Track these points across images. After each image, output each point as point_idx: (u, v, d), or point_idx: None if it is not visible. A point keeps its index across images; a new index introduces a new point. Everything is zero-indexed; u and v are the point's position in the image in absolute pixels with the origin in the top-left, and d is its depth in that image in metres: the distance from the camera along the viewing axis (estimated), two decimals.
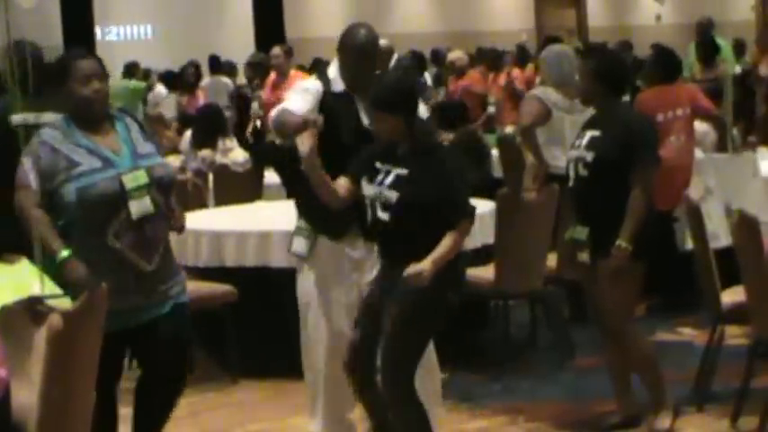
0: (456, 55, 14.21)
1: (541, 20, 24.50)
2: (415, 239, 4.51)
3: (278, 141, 10.02)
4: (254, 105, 12.67)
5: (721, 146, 8.45)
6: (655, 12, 26.73)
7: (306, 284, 5.24)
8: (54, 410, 3.54)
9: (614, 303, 5.33)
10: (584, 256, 5.36)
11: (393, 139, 4.66)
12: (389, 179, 4.61)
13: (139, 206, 4.38)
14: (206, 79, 16.28)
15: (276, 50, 12.27)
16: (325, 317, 5.20)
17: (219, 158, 9.05)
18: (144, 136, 4.59)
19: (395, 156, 4.65)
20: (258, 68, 13.24)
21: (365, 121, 5.00)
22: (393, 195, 4.56)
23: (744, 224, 5.31)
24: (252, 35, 23.05)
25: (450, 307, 4.66)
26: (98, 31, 21.45)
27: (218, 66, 16.96)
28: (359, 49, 5.05)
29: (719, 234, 6.67)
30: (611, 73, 5.44)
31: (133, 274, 4.40)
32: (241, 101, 14.27)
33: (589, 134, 5.40)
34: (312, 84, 5.17)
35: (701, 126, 8.15)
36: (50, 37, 20.29)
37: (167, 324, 4.57)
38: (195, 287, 6.70)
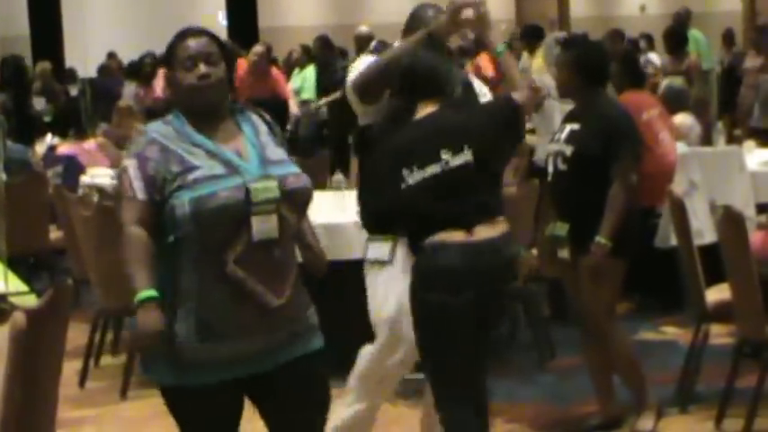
0: None
1: (522, 10, 24.60)
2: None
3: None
4: None
5: (706, 140, 8.51)
6: (639, 2, 26.85)
7: (387, 292, 4.84)
8: (17, 411, 3.52)
9: (595, 301, 5.35)
10: (564, 253, 5.38)
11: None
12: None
13: (263, 225, 3.54)
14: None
15: (258, 48, 12.35)
16: (394, 330, 4.86)
17: None
18: (275, 139, 3.77)
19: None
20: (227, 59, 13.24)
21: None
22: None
23: (729, 220, 5.34)
24: (224, 24, 23.04)
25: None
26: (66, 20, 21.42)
27: None
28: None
29: (704, 230, 6.71)
30: (591, 64, 5.46)
31: (257, 310, 3.55)
32: None
33: (569, 127, 5.42)
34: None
35: (685, 119, 8.20)
36: (17, 27, 20.31)
37: (297, 373, 3.70)
38: None
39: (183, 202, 3.49)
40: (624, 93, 7.43)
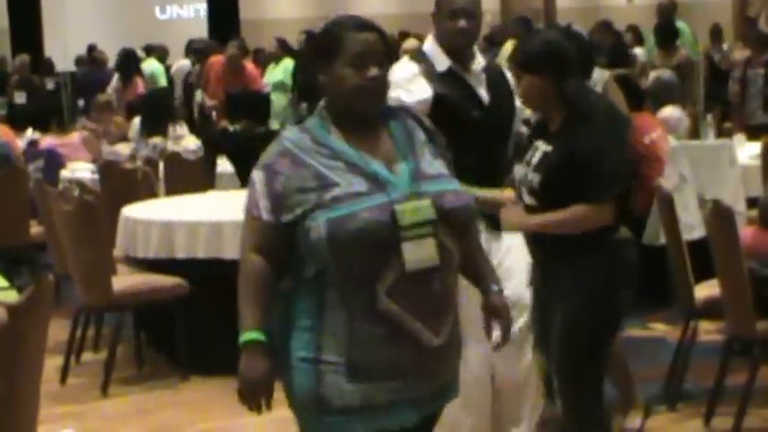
0: (410, 44, 13.93)
1: (507, 1, 24.54)
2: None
3: (231, 129, 10.05)
4: (198, 93, 12.69)
5: (695, 133, 8.52)
6: None
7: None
8: None
9: None
10: None
11: (543, 108, 4.19)
12: (536, 158, 4.16)
13: (417, 253, 3.05)
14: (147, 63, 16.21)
15: (232, 49, 12.38)
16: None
17: (171, 146, 9.02)
18: (433, 148, 3.25)
19: (546, 129, 4.19)
20: (200, 55, 13.30)
21: (483, 95, 4.74)
22: (536, 178, 4.13)
23: (718, 215, 5.34)
24: (205, 16, 23.03)
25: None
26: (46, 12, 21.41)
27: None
28: (461, 9, 4.67)
29: (695, 225, 6.72)
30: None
31: (413, 351, 3.09)
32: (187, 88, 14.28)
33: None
34: (406, 71, 4.68)
35: (674, 112, 8.20)
36: None
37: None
38: (144, 280, 6.70)
39: (318, 225, 3.02)
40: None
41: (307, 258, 3.07)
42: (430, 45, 4.78)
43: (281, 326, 3.15)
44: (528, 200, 4.20)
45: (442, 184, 3.15)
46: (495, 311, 3.30)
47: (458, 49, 4.73)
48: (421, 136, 3.23)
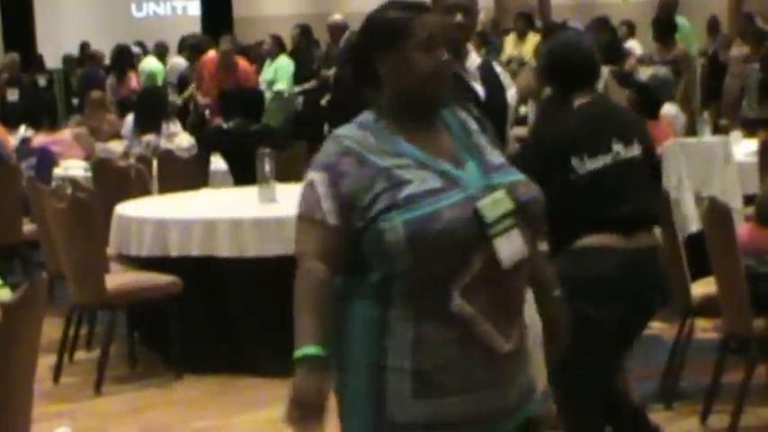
0: None
1: None
2: None
3: (225, 126, 10.02)
4: (192, 88, 12.69)
5: (691, 130, 8.53)
6: None
7: None
8: None
9: None
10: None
11: None
12: None
13: (509, 246, 2.87)
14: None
15: (224, 45, 12.38)
16: None
17: (164, 143, 9.01)
18: (487, 138, 3.08)
19: None
20: (194, 51, 13.28)
21: (481, 93, 4.67)
22: None
23: (715, 212, 5.34)
24: (198, 13, 23.03)
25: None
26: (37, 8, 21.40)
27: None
28: (456, 4, 4.61)
29: (690, 220, 6.72)
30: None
31: (484, 358, 2.88)
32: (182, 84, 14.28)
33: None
34: None
35: (670, 109, 8.21)
36: None
37: None
38: (137, 278, 6.69)
39: (395, 226, 2.81)
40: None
41: (375, 262, 2.85)
42: None
43: (337, 331, 2.92)
44: None
45: (510, 175, 2.97)
46: (556, 319, 3.13)
47: (454, 45, 4.72)
48: (473, 125, 3.07)
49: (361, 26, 3.02)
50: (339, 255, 2.87)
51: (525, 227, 2.91)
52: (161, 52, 16.60)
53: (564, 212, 3.92)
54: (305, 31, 14.09)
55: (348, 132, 2.95)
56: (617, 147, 4.12)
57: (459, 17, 4.65)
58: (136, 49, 17.22)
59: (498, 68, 4.93)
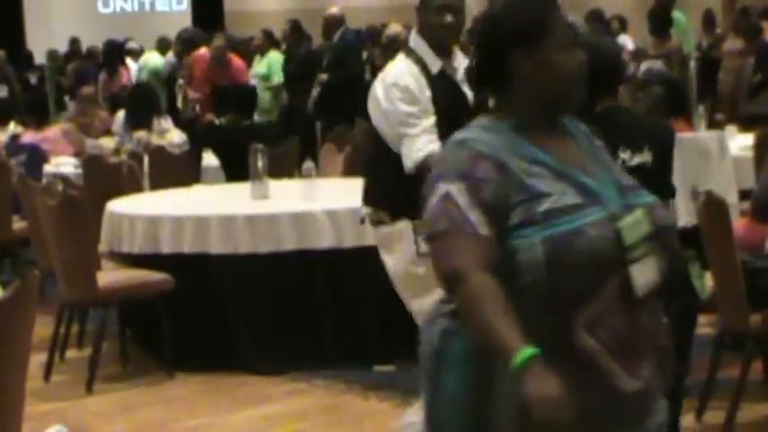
0: (395, 30, 13.83)
1: None
2: None
3: (217, 122, 10.03)
4: (180, 82, 12.69)
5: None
6: None
7: None
8: None
9: None
10: None
11: None
12: None
13: (645, 274, 2.63)
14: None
15: (218, 41, 12.38)
16: None
17: (155, 140, 9.01)
18: (606, 155, 2.84)
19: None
20: (189, 45, 13.27)
21: (469, 94, 4.70)
22: None
23: (711, 206, 5.33)
24: (189, 8, 23.02)
25: None
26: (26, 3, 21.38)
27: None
28: (447, 4, 4.66)
29: (681, 213, 6.72)
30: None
31: (605, 396, 2.63)
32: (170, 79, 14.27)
33: None
34: (408, 76, 4.62)
35: None
36: None
37: None
38: (129, 275, 6.69)
39: (532, 244, 2.56)
40: (675, 121, 7.43)
41: (499, 279, 2.56)
42: (417, 42, 4.74)
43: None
44: None
45: (645, 196, 2.72)
46: (664, 348, 2.83)
47: (443, 45, 4.72)
48: (596, 141, 2.82)
49: (488, 20, 2.77)
50: (490, 267, 2.55)
51: (660, 253, 2.67)
52: (163, 47, 16.58)
53: None
54: (295, 27, 14.07)
55: (475, 135, 2.68)
56: (623, 155, 4.10)
57: (449, 18, 4.65)
58: (133, 45, 17.18)
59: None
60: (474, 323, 2.54)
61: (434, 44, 4.69)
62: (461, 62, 4.77)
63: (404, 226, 4.61)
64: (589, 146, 2.77)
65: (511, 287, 2.55)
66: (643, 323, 2.65)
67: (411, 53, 4.72)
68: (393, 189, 4.62)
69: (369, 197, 4.80)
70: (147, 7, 23.56)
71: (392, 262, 4.77)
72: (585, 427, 2.55)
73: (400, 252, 4.70)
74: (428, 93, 4.59)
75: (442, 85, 4.66)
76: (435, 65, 4.68)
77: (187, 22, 21.26)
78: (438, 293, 2.75)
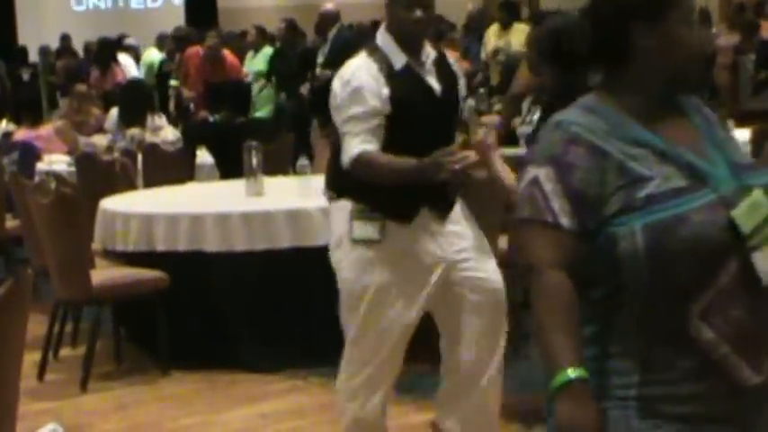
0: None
1: None
2: None
3: (211, 119, 10.05)
4: (173, 82, 12.70)
5: None
6: None
7: (373, 272, 4.71)
8: None
9: None
10: None
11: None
12: (538, 116, 4.62)
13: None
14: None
15: (211, 39, 12.40)
16: (393, 307, 4.75)
17: (149, 137, 9.02)
18: (727, 132, 2.68)
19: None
20: (182, 43, 13.29)
21: (436, 87, 4.76)
22: None
23: None
24: (182, 4, 23.00)
25: None
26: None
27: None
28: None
29: None
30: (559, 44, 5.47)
31: (726, 389, 2.49)
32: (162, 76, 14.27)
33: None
34: (363, 74, 4.65)
35: None
36: None
37: None
38: (123, 273, 6.70)
39: (631, 232, 2.43)
40: None
41: (600, 275, 2.48)
42: (384, 38, 4.77)
43: None
44: None
45: (763, 175, 2.55)
46: None
47: (412, 40, 4.77)
48: (712, 116, 2.66)
49: None
50: (572, 262, 2.48)
51: None
52: (160, 44, 16.59)
53: None
54: (291, 25, 14.10)
55: (573, 117, 2.55)
56: None
57: (418, 13, 4.71)
58: (132, 41, 17.15)
59: (451, 59, 4.99)
60: (536, 326, 2.50)
61: (403, 39, 4.74)
62: (430, 55, 4.81)
63: (345, 205, 4.75)
64: (703, 123, 2.61)
65: (612, 278, 2.47)
66: (764, 310, 2.48)
67: (375, 51, 4.76)
68: (341, 176, 4.74)
69: (327, 180, 4.92)
70: (121, 3, 23.54)
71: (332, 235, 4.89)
72: (708, 422, 2.48)
73: (336, 227, 4.81)
74: (386, 91, 4.65)
75: (405, 81, 4.70)
76: (400, 60, 4.72)
77: (180, 18, 21.27)
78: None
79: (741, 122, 9.34)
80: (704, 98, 8.89)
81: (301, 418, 5.82)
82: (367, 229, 4.71)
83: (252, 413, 5.96)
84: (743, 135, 8.53)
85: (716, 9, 15.85)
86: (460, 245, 4.83)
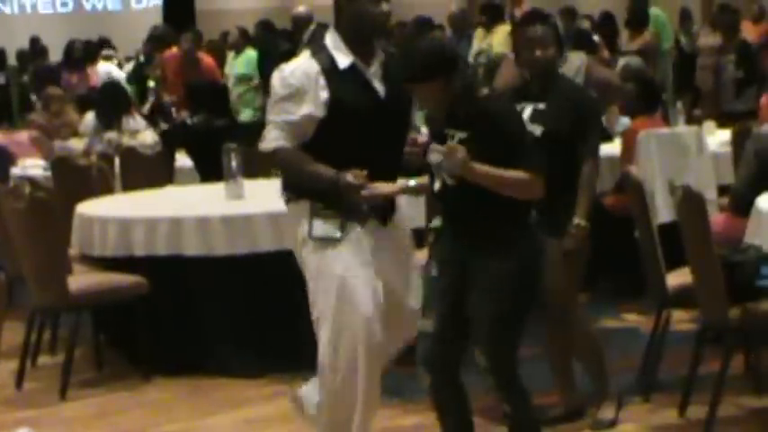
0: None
1: None
2: (485, 202, 4.56)
3: (189, 121, 10.04)
4: (151, 84, 12.68)
5: (665, 120, 8.60)
6: None
7: (334, 267, 4.85)
8: None
9: (561, 286, 5.38)
10: None
11: (441, 106, 4.63)
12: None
13: None
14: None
15: (186, 43, 12.39)
16: (355, 303, 4.84)
17: (127, 141, 9.01)
18: None
19: (457, 118, 4.62)
20: (159, 43, 13.27)
21: (380, 90, 4.86)
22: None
23: (689, 201, 5.40)
24: (160, 7, 22.99)
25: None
26: None
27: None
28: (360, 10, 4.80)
29: (660, 210, 6.80)
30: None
31: None
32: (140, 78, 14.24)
33: (530, 107, 5.41)
34: (301, 74, 4.80)
35: None
36: None
37: None
38: (102, 278, 6.69)
39: None
40: (637, 117, 7.50)
41: None
42: (332, 38, 4.83)
43: None
44: (449, 182, 4.59)
45: None
46: None
47: (374, 35, 4.81)
48: None
49: None
50: None
51: None
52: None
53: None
54: (265, 27, 14.13)
55: None
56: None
57: (385, 6, 4.77)
58: (110, 52, 17.12)
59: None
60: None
61: (358, 37, 4.79)
62: (378, 55, 4.86)
63: (304, 206, 4.88)
64: None
65: None
66: None
67: (320, 50, 4.83)
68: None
69: (283, 181, 5.03)
70: (99, 6, 23.48)
71: (294, 237, 5.01)
72: None
73: (296, 227, 4.95)
74: (325, 94, 4.74)
75: (347, 81, 4.78)
76: (345, 60, 4.79)
77: (158, 20, 21.25)
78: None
79: (722, 124, 9.40)
80: (686, 101, 8.87)
81: (286, 423, 5.82)
82: (327, 228, 4.85)
83: (236, 418, 5.97)
84: (724, 136, 8.58)
85: (698, 9, 15.85)
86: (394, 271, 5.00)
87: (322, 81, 4.74)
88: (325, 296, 4.86)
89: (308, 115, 4.76)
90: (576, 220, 5.32)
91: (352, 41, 4.80)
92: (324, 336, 4.89)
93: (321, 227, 4.86)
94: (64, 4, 23.15)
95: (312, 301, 4.93)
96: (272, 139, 4.83)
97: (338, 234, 4.84)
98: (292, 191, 4.94)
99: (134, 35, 17.27)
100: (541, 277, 4.81)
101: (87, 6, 23.45)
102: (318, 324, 4.91)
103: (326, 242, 4.86)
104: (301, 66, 4.81)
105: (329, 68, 4.76)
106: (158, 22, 19.75)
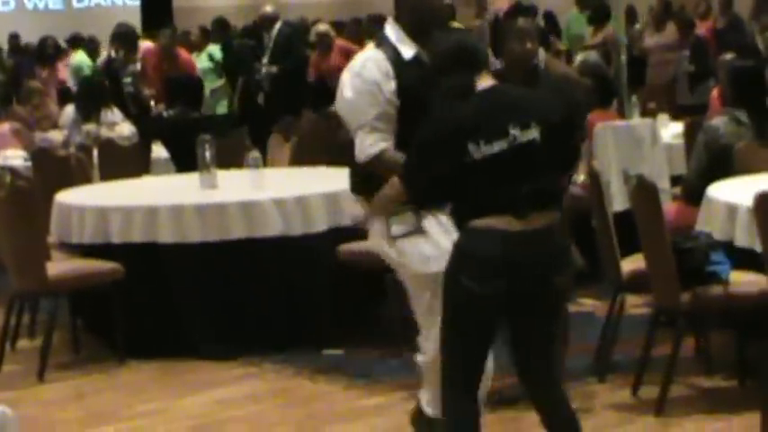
0: (323, 28, 13.67)
1: None
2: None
3: (165, 114, 9.98)
4: (127, 80, 12.61)
5: (620, 113, 8.64)
6: None
7: (425, 259, 4.61)
8: None
9: None
10: None
11: None
12: None
13: None
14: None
15: (164, 39, 12.37)
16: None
17: (105, 133, 8.97)
18: None
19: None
20: (125, 40, 13.20)
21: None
22: None
23: (642, 189, 5.42)
24: (138, 4, 22.90)
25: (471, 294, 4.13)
26: None
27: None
28: None
29: (615, 198, 6.82)
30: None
31: None
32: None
33: None
34: (372, 65, 4.62)
35: None
36: None
37: None
38: (79, 265, 6.67)
39: None
40: (593, 110, 7.52)
41: None
42: (393, 29, 4.71)
43: None
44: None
45: None
46: None
47: (435, 26, 4.69)
48: None
49: None
50: None
51: None
52: (93, 48, 16.45)
53: (459, 194, 4.14)
54: (222, 25, 14.18)
55: None
56: (514, 131, 4.11)
57: None
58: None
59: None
60: None
61: (420, 28, 4.66)
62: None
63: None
64: None
65: None
66: None
67: (383, 42, 4.70)
68: (368, 175, 4.64)
69: (352, 185, 4.83)
70: (76, 3, 23.38)
71: (370, 241, 4.80)
72: None
73: (374, 231, 4.73)
74: (393, 84, 4.60)
75: (413, 71, 4.64)
76: (409, 51, 4.67)
77: (136, 17, 21.16)
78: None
79: (676, 117, 9.45)
80: (639, 95, 8.90)
81: (256, 404, 5.82)
82: (405, 225, 4.63)
83: (208, 399, 5.95)
84: (677, 128, 8.63)
85: (644, 9, 15.83)
86: None
87: (391, 71, 4.61)
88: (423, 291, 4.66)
89: (389, 101, 4.58)
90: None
91: (414, 33, 4.67)
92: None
93: (398, 226, 4.64)
94: (36, 1, 23.07)
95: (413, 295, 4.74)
96: (368, 146, 4.56)
97: (417, 226, 4.63)
98: (362, 194, 4.72)
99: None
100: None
101: (63, 4, 23.37)
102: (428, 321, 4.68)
103: (407, 237, 4.65)
104: (370, 57, 4.66)
105: (395, 59, 4.64)
106: (136, 19, 19.68)
